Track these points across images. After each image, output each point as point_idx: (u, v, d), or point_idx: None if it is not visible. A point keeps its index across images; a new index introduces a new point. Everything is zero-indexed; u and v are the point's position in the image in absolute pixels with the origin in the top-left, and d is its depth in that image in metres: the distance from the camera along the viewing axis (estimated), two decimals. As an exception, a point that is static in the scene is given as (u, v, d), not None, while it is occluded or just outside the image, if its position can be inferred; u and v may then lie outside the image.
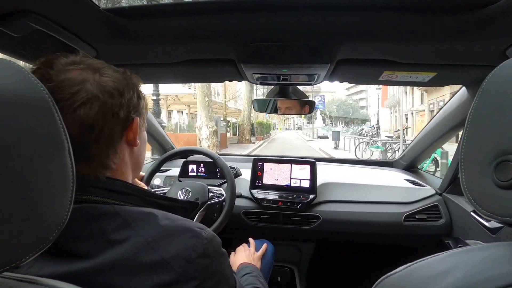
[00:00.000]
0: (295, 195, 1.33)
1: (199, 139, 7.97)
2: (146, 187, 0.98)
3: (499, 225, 0.95)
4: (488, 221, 0.99)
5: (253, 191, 1.37)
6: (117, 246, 0.40)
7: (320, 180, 1.39)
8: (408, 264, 0.36)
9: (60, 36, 0.65)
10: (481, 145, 0.35)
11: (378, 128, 24.98)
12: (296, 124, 68.32)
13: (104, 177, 0.46)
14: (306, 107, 1.19)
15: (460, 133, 1.29)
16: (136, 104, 0.50)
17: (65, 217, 0.32)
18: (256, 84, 1.08)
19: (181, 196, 1.12)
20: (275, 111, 1.23)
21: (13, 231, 0.27)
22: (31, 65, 0.74)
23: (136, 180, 0.78)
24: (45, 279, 0.33)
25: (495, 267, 0.30)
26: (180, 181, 1.47)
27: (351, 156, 10.61)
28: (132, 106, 0.49)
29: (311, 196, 1.31)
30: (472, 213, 1.08)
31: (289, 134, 39.48)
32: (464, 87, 1.09)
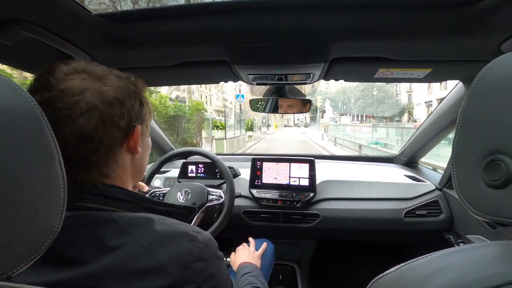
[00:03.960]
0: (294, 194, 1.33)
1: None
2: (147, 188, 0.99)
3: None
4: None
5: (253, 190, 1.37)
6: (113, 252, 0.41)
7: (319, 178, 1.39)
8: (401, 264, 0.36)
9: (53, 43, 0.65)
10: (471, 144, 0.35)
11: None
12: (298, 120, 60.53)
13: (102, 184, 0.46)
14: (307, 105, 1.19)
15: None
16: (138, 112, 0.50)
17: (57, 227, 0.32)
18: (253, 84, 1.07)
19: (180, 197, 1.12)
20: (274, 110, 1.23)
21: (3, 242, 0.27)
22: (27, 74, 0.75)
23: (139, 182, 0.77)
24: (37, 287, 0.33)
25: (486, 267, 0.30)
26: (179, 182, 1.48)
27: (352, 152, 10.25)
28: (134, 114, 0.49)
29: (311, 194, 1.32)
30: None
31: (289, 136, 26.32)
32: (461, 82, 1.08)
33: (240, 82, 1.08)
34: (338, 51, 0.77)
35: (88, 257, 0.40)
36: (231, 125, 13.67)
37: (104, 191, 0.46)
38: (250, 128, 20.05)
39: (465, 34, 0.69)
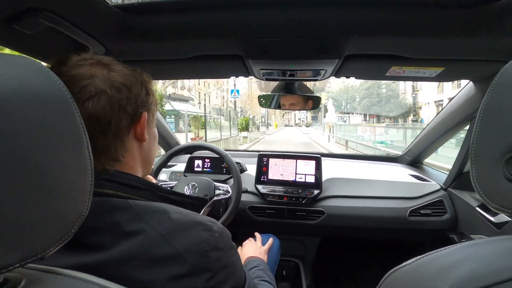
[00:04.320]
0: (300, 190, 1.34)
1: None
2: (154, 181, 1.00)
3: (505, 219, 0.95)
4: (494, 216, 1.00)
5: (259, 186, 1.38)
6: (131, 238, 0.41)
7: (325, 175, 1.39)
8: (417, 257, 0.37)
9: (70, 33, 0.65)
10: (492, 140, 0.35)
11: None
12: (299, 119, 58.38)
13: (114, 170, 0.47)
14: (310, 102, 1.19)
15: (466, 127, 1.28)
16: (145, 100, 0.52)
17: (85, 210, 0.33)
18: (262, 79, 1.08)
19: (187, 191, 1.13)
20: (279, 106, 1.24)
21: (37, 225, 0.28)
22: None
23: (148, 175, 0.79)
24: (65, 270, 0.34)
25: (502, 259, 0.31)
26: (186, 176, 1.48)
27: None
28: (140, 101, 0.50)
29: (316, 191, 1.32)
30: (477, 208, 1.09)
31: (290, 136, 22.52)
32: (471, 82, 1.08)
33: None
34: (352, 48, 0.78)
35: (106, 243, 0.41)
36: (224, 125, 11.98)
37: (121, 178, 0.47)
38: (245, 127, 17.31)
39: (481, 34, 0.69)
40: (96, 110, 0.44)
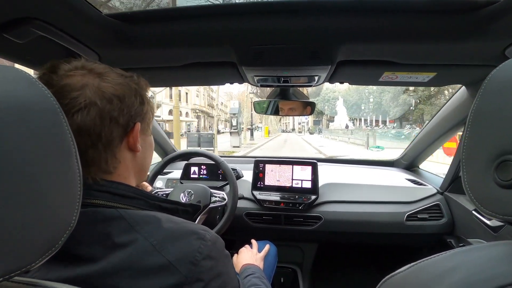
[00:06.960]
0: (297, 196, 1.34)
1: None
2: (150, 187, 0.99)
3: (501, 223, 0.95)
4: (490, 219, 1.00)
5: (255, 192, 1.38)
6: (122, 249, 0.41)
7: (321, 180, 1.39)
8: (411, 264, 0.36)
9: (63, 42, 0.65)
10: (482, 145, 0.35)
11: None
12: (299, 124, 50.69)
13: (104, 181, 0.46)
14: (308, 108, 1.20)
15: (460, 132, 1.29)
16: (139, 110, 0.50)
17: (73, 222, 0.32)
18: (257, 86, 1.08)
19: (183, 198, 1.12)
20: (276, 112, 1.24)
21: (22, 236, 0.28)
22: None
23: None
24: (50, 282, 0.33)
25: (496, 266, 0.31)
26: (182, 183, 1.48)
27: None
28: (134, 111, 0.49)
29: (313, 197, 1.32)
30: (473, 212, 1.09)
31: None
32: (464, 87, 1.09)
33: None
34: (345, 54, 0.78)
35: (96, 255, 0.40)
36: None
37: (111, 188, 0.46)
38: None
39: (470, 39, 0.70)
40: (86, 123, 0.43)
